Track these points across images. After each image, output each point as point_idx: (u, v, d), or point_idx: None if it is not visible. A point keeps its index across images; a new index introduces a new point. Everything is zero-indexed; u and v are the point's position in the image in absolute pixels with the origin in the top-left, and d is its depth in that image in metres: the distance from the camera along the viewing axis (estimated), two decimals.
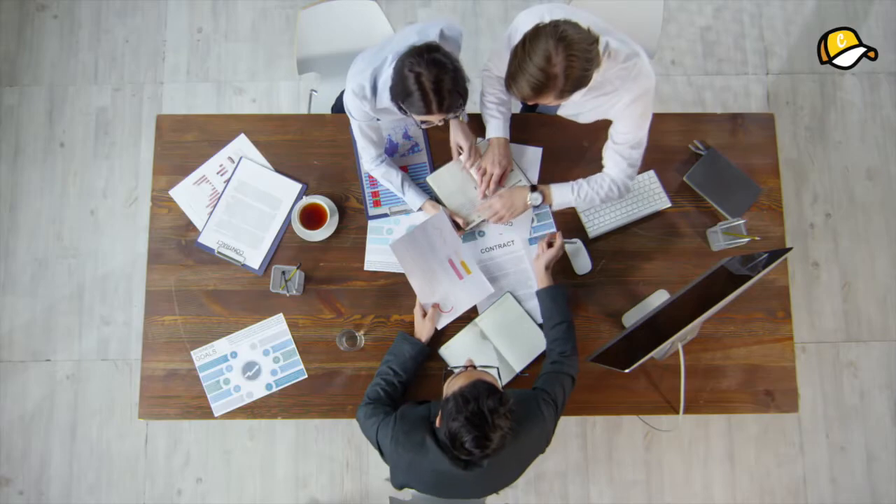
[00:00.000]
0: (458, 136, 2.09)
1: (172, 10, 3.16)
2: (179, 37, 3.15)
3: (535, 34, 1.57)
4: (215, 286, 2.09)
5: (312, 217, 2.08)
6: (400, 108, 1.78)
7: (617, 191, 1.97)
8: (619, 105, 1.82)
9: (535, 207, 2.05)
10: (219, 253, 2.09)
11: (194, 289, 2.09)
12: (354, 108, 1.90)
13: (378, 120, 1.97)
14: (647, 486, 2.83)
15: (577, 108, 1.95)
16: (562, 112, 2.05)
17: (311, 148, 2.17)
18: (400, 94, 1.72)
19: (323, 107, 2.49)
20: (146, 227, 2.26)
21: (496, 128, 2.07)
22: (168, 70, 3.12)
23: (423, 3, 3.17)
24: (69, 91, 3.09)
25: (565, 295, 1.98)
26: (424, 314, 2.00)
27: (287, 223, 2.12)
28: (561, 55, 1.55)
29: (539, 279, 2.02)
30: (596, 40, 1.60)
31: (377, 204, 2.14)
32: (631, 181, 1.97)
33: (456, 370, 1.68)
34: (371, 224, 2.13)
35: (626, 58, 1.73)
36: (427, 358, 2.00)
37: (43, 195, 3.01)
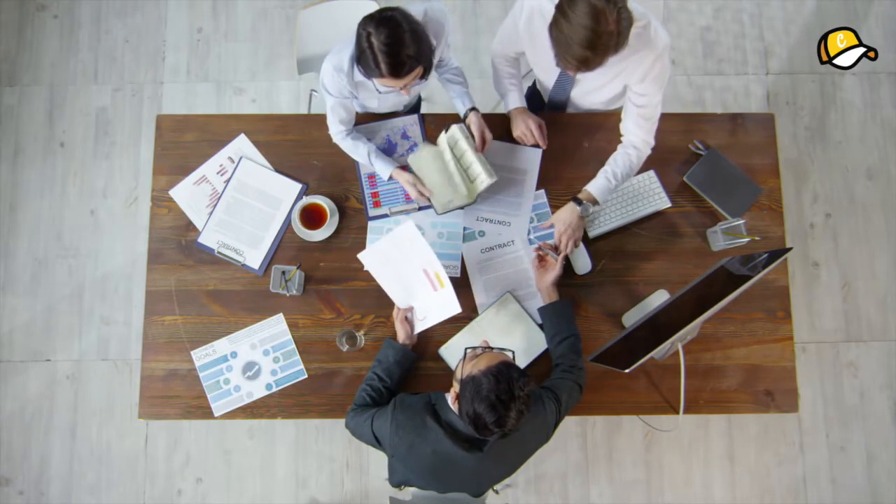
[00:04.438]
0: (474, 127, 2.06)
1: (172, 10, 3.16)
2: (179, 37, 3.15)
3: (571, 2, 1.56)
4: (215, 286, 2.09)
5: (312, 217, 2.08)
6: (366, 76, 1.78)
7: (643, 157, 2.02)
8: (641, 68, 1.82)
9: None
10: (219, 253, 2.09)
11: (194, 289, 2.09)
12: (330, 82, 1.90)
13: (355, 97, 1.98)
14: (647, 486, 2.83)
15: (601, 78, 1.93)
16: (582, 89, 2.04)
17: (311, 148, 2.17)
18: (358, 57, 1.72)
19: (323, 107, 2.48)
20: (146, 227, 2.26)
21: (514, 99, 2.12)
22: (168, 70, 3.12)
23: (422, 3, 3.16)
24: (69, 91, 3.09)
25: (571, 308, 1.98)
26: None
27: (287, 223, 2.12)
28: (614, 11, 1.55)
29: (545, 296, 2.00)
30: None
31: (377, 204, 2.14)
32: (651, 145, 2.01)
33: (478, 350, 1.69)
34: (371, 224, 2.13)
35: (640, 17, 1.73)
36: (413, 363, 1.99)
37: (43, 195, 3.01)
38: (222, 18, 3.16)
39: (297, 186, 2.15)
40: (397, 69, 1.69)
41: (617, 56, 1.75)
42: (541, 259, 2.04)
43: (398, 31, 1.66)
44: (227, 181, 2.14)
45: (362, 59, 1.71)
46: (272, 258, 2.10)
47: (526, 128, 2.11)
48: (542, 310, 2.00)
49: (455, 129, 2.07)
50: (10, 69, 3.10)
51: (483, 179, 2.03)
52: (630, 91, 1.92)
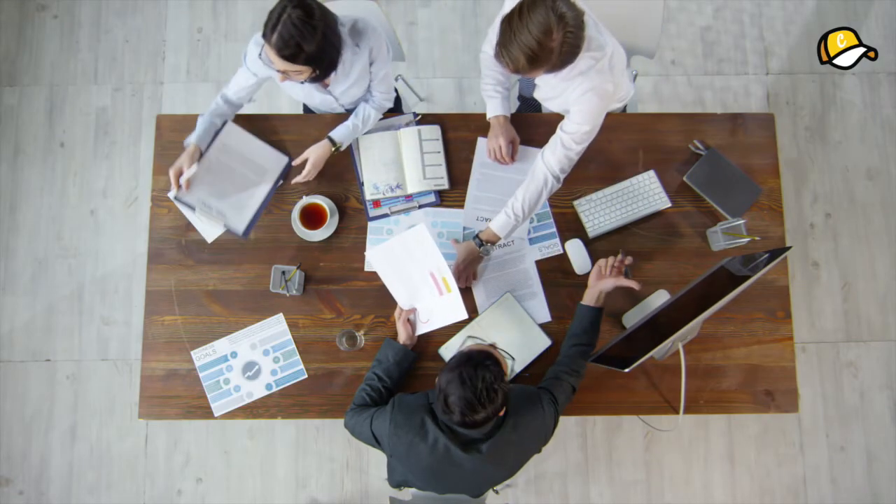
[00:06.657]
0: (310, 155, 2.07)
1: (172, 10, 3.16)
2: (179, 37, 3.15)
3: (533, 5, 1.59)
4: (215, 286, 2.10)
5: (312, 217, 2.08)
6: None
7: (553, 182, 1.93)
8: (576, 92, 1.83)
9: (486, 249, 2.00)
10: (199, 212, 2.03)
11: (194, 289, 2.09)
12: (250, 51, 1.91)
13: (271, 77, 1.94)
14: (647, 486, 2.83)
15: (553, 90, 1.95)
16: (540, 94, 2.05)
17: None
18: (268, 16, 1.71)
19: (322, 105, 2.48)
20: (146, 227, 2.26)
21: (494, 107, 2.10)
22: (168, 70, 3.12)
23: (423, 4, 3.17)
24: (69, 91, 3.09)
25: (601, 319, 1.95)
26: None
27: (272, 193, 2.11)
28: (560, 31, 1.59)
29: (591, 296, 1.94)
30: (584, 21, 1.65)
31: (377, 205, 2.14)
32: (563, 175, 1.94)
33: (478, 340, 1.70)
34: (371, 225, 2.13)
35: (597, 48, 1.77)
36: (412, 363, 1.99)
37: (43, 195, 3.01)
38: (222, 18, 3.16)
39: (284, 159, 2.13)
40: (280, 46, 1.68)
41: (561, 75, 1.79)
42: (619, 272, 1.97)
43: (311, 21, 1.66)
44: (211, 143, 2.08)
45: (268, 18, 1.68)
46: (256, 224, 2.09)
47: (496, 143, 2.09)
48: (582, 307, 1.95)
49: (434, 129, 2.14)
50: (10, 69, 3.10)
51: (440, 182, 2.12)
52: (566, 117, 1.92)
